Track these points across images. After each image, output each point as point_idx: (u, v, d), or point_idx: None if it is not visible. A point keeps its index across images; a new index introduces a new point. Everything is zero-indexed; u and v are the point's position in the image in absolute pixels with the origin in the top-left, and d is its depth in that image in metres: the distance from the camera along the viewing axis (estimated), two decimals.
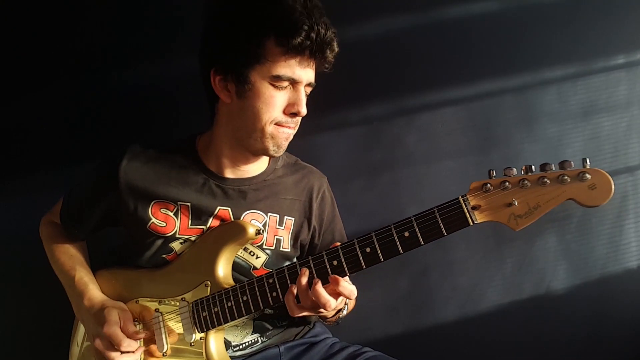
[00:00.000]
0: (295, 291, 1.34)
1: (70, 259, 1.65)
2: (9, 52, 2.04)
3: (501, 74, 2.10)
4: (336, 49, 1.42)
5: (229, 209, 1.56)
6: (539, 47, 2.08)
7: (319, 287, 1.30)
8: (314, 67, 1.45)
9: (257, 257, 1.60)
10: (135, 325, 1.53)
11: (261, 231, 1.55)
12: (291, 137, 1.52)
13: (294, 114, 1.46)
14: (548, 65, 2.09)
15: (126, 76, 2.05)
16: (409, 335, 2.17)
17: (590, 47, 2.08)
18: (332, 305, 1.31)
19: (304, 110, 1.45)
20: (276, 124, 1.45)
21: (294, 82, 1.42)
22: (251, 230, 1.49)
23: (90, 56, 2.04)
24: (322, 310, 1.33)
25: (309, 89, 1.49)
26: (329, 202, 1.76)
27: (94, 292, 1.57)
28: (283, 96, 1.42)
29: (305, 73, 1.42)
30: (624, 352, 2.17)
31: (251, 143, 1.49)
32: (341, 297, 1.34)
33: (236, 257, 1.56)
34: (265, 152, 1.52)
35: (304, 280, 1.33)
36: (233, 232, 1.51)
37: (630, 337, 2.16)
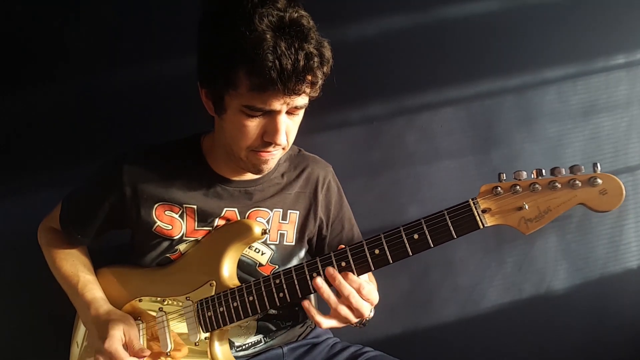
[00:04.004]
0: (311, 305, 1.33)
1: (73, 266, 1.62)
2: (8, 52, 2.02)
3: (501, 74, 2.10)
4: (319, 76, 1.28)
5: (236, 209, 1.55)
6: (539, 47, 2.09)
7: (338, 277, 1.29)
8: (293, 96, 1.28)
9: (262, 254, 1.59)
10: (139, 330, 1.52)
11: (267, 230, 1.54)
12: (276, 157, 1.45)
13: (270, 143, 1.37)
14: (548, 65, 2.10)
15: (127, 76, 2.03)
16: (410, 335, 2.18)
17: (590, 47, 2.09)
18: (354, 298, 1.28)
19: (280, 140, 1.34)
20: (253, 150, 1.39)
21: (269, 112, 1.31)
22: (257, 230, 1.47)
23: (91, 56, 2.02)
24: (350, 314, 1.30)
25: (299, 111, 1.38)
26: (335, 191, 1.72)
27: (101, 302, 1.54)
28: (258, 125, 1.33)
29: (281, 104, 1.28)
30: (624, 352, 2.19)
31: (234, 160, 1.47)
32: (367, 303, 1.31)
33: (241, 255, 1.55)
34: (247, 171, 1.51)
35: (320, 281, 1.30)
36: (238, 231, 1.50)
37: (630, 337, 2.18)
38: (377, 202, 2.13)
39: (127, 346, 1.43)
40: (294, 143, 1.58)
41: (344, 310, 1.29)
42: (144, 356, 1.44)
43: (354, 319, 1.32)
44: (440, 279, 2.16)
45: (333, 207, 1.71)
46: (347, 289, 1.28)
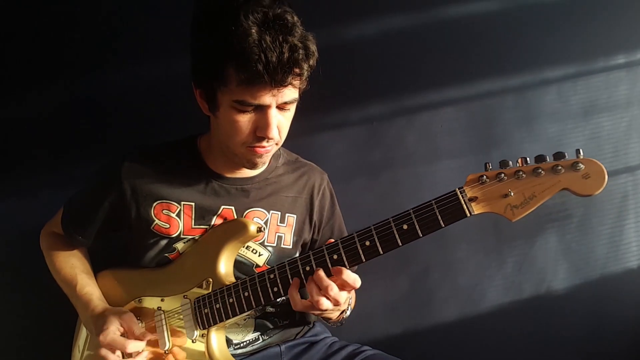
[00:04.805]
0: (298, 284, 1.35)
1: (72, 268, 1.65)
2: (8, 53, 2.04)
3: (501, 74, 2.10)
4: (304, 68, 1.32)
5: (233, 207, 1.57)
6: (540, 47, 2.09)
7: (320, 272, 1.30)
8: (282, 89, 1.33)
9: (259, 255, 1.61)
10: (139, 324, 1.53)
11: (262, 228, 1.55)
12: (271, 153, 1.48)
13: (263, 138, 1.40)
14: (548, 65, 2.10)
15: (126, 76, 2.04)
16: (409, 335, 2.17)
17: (591, 47, 2.09)
18: (333, 290, 1.28)
19: (272, 135, 1.37)
20: (248, 146, 1.42)
21: (259, 106, 1.34)
22: (252, 228, 1.48)
23: (90, 56, 2.04)
24: (326, 304, 1.30)
25: (290, 106, 1.41)
26: (328, 198, 1.76)
27: (97, 302, 1.56)
28: (249, 120, 1.37)
29: (270, 98, 1.33)
30: (624, 352, 2.17)
31: (230, 157, 1.51)
32: (345, 292, 1.32)
33: (239, 256, 1.57)
34: (242, 166, 1.54)
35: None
36: (234, 229, 1.51)
37: (630, 337, 2.16)
38: (377, 202, 2.13)
39: (127, 334, 1.45)
40: (293, 149, 1.59)
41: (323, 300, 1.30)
42: (145, 339, 1.46)
43: (331, 306, 1.32)
44: (440, 279, 2.16)
45: (326, 212, 1.75)
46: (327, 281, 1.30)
